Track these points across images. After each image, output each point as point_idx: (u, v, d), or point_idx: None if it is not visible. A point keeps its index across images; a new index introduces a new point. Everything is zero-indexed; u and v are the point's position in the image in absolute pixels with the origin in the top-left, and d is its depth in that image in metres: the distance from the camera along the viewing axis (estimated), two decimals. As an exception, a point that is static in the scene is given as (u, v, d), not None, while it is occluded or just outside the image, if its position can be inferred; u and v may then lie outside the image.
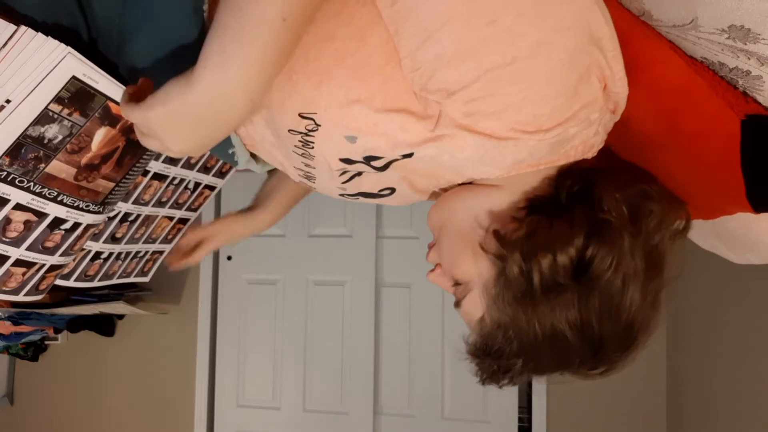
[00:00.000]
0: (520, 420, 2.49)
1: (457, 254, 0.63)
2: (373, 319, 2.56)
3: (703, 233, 0.73)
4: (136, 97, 0.56)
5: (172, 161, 0.78)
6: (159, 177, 0.78)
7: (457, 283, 0.64)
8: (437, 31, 0.47)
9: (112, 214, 0.77)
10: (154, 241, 0.92)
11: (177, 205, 0.88)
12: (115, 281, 0.91)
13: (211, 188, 0.93)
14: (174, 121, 0.53)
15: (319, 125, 0.57)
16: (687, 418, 2.13)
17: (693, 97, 0.55)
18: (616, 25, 0.55)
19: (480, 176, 0.60)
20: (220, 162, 0.87)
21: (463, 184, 0.65)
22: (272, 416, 2.66)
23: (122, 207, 0.77)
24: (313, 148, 0.60)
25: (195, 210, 0.95)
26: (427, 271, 0.70)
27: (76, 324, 2.52)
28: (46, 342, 2.78)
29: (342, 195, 0.72)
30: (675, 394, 2.25)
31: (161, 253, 0.98)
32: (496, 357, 0.60)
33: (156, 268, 1.00)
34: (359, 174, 0.64)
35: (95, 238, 0.78)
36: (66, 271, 0.79)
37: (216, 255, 2.75)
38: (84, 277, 0.82)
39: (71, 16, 0.63)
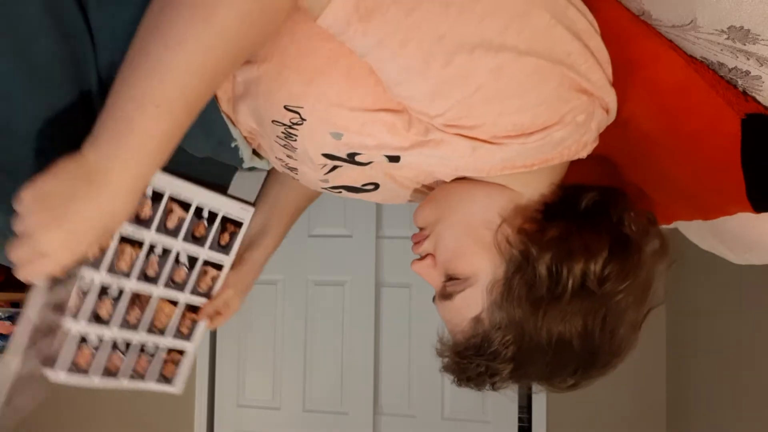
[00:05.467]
0: (520, 420, 2.49)
1: (462, 248, 0.61)
2: (373, 319, 2.56)
3: (703, 233, 0.73)
4: None
5: (140, 223, 0.68)
6: (131, 242, 0.68)
7: (451, 278, 0.63)
8: (402, 84, 0.50)
9: (85, 288, 0.67)
10: (162, 333, 0.76)
11: (175, 285, 0.74)
12: (127, 382, 0.75)
13: (217, 266, 0.77)
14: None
15: (305, 119, 0.57)
16: (687, 418, 2.13)
17: (693, 97, 0.55)
18: (615, 24, 0.55)
19: (471, 174, 0.61)
20: (213, 232, 0.74)
21: (457, 179, 0.65)
22: (272, 416, 2.66)
23: (94, 276, 0.66)
24: (295, 140, 0.61)
25: (207, 295, 0.79)
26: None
27: (76, 324, 2.52)
28: (46, 342, 2.78)
29: (324, 188, 0.72)
30: (675, 394, 2.25)
31: (181, 353, 0.79)
32: (490, 359, 0.59)
33: (183, 376, 0.80)
34: (341, 165, 0.64)
35: (72, 316, 0.67)
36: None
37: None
38: (75, 368, 0.69)
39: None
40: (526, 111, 0.50)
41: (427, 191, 0.69)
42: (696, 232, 0.75)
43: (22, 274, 0.55)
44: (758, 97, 0.54)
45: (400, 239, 2.60)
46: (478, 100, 0.49)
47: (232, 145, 0.72)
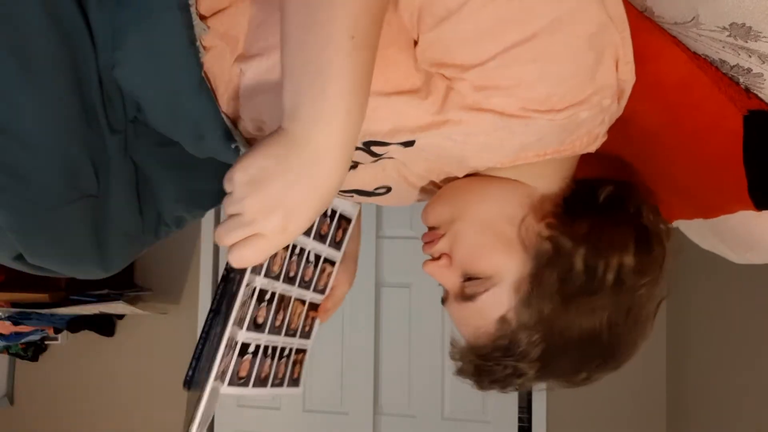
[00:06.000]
0: (520, 420, 2.48)
1: (483, 246, 0.59)
2: (373, 319, 2.56)
3: (703, 232, 0.73)
4: None
5: None
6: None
7: (470, 278, 0.60)
8: (458, 11, 0.47)
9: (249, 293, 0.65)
10: (294, 334, 0.76)
11: (305, 284, 0.74)
12: (269, 389, 0.74)
13: (332, 263, 0.77)
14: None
15: None
16: (687, 418, 2.13)
17: (696, 93, 0.55)
18: None
19: (483, 165, 0.60)
20: (333, 229, 0.74)
21: (468, 175, 0.63)
22: (272, 416, 2.66)
23: (257, 282, 0.64)
24: None
25: (322, 291, 0.78)
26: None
27: (76, 324, 2.52)
28: (46, 342, 2.77)
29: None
30: (675, 394, 2.25)
31: (304, 352, 0.80)
32: (518, 359, 0.57)
33: (304, 373, 0.80)
34: (354, 167, 0.63)
35: (239, 325, 0.65)
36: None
37: (216, 254, 2.75)
38: (237, 379, 0.66)
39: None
40: (562, 82, 0.50)
41: (434, 189, 0.68)
42: (696, 231, 0.75)
43: (236, 257, 0.51)
44: (760, 95, 0.54)
45: (400, 239, 2.60)
46: (526, 51, 0.48)
47: (233, 146, 0.71)
